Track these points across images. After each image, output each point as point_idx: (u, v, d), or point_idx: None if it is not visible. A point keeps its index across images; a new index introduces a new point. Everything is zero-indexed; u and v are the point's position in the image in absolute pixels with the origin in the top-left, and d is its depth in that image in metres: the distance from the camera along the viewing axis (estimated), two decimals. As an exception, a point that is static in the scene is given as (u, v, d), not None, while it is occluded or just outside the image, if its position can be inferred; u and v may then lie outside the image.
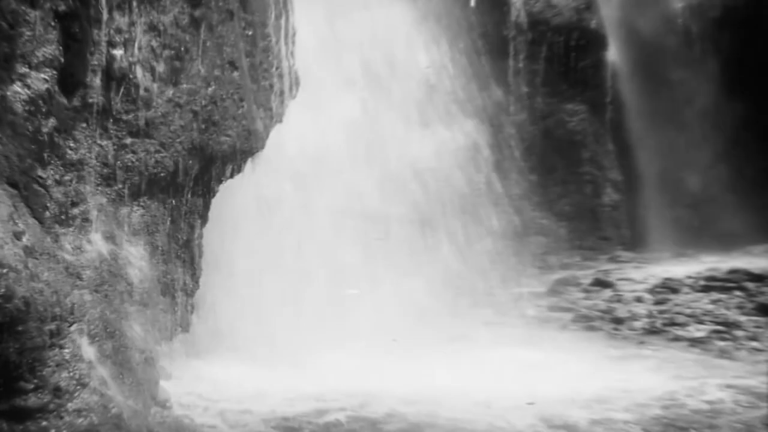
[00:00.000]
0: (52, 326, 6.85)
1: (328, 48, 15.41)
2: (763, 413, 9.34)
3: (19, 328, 6.52)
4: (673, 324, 14.39)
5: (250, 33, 9.87)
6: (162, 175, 8.59)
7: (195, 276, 9.61)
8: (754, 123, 21.13)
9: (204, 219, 9.74)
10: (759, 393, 10.20)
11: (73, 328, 7.08)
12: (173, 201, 8.95)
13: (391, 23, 18.28)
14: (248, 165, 10.09)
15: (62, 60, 7.45)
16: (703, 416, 9.26)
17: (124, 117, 8.19)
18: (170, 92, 8.62)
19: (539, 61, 21.34)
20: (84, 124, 7.88)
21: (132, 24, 8.17)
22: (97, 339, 7.32)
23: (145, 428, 7.39)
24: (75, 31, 7.61)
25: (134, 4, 8.17)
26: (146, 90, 8.36)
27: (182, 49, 8.71)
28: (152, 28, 8.41)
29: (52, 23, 7.36)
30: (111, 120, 8.08)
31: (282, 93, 10.48)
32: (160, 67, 8.49)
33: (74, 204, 7.69)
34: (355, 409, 9.29)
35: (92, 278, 7.52)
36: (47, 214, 7.34)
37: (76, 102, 7.77)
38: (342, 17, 16.64)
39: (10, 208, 6.78)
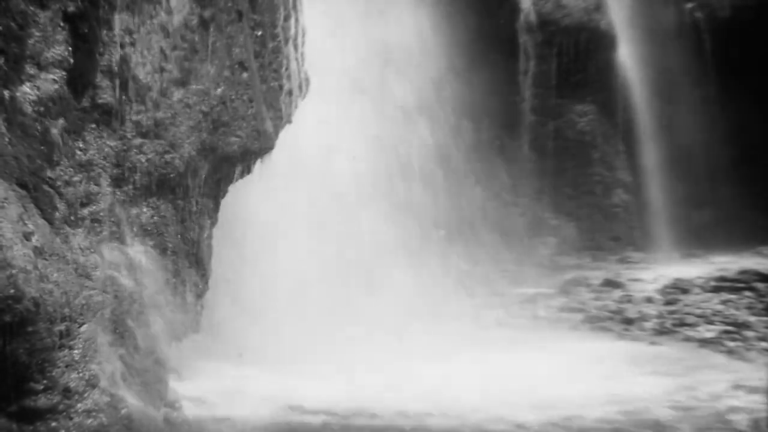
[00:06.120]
0: (62, 327, 6.86)
1: (336, 50, 15.41)
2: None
3: (29, 329, 6.54)
4: (684, 324, 14.37)
5: (260, 33, 9.87)
6: (171, 175, 8.59)
7: (205, 277, 9.61)
8: (764, 123, 21.08)
9: (214, 220, 9.74)
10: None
11: (82, 328, 7.09)
12: (183, 202, 8.94)
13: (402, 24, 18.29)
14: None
15: (71, 61, 7.46)
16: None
17: (134, 117, 8.19)
18: (180, 93, 8.62)
19: (549, 61, 21.31)
20: (93, 125, 7.88)
21: (141, 24, 8.17)
22: (106, 340, 7.33)
23: (154, 429, 7.40)
24: (84, 31, 7.61)
25: (143, 4, 8.18)
26: (156, 91, 8.37)
27: (191, 49, 8.71)
28: (161, 28, 8.42)
29: (61, 24, 7.37)
30: (120, 121, 8.08)
31: (291, 93, 10.47)
32: (170, 68, 8.50)
33: (84, 205, 7.70)
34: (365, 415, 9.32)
35: (101, 279, 7.53)
36: (57, 214, 7.35)
37: (85, 103, 7.78)
38: (353, 21, 16.64)
39: (20, 208, 6.79)
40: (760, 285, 15.78)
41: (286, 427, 8.91)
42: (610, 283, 17.45)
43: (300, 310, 12.65)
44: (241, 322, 11.75)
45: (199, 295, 9.46)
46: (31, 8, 7.11)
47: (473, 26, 19.98)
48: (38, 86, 7.20)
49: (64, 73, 7.41)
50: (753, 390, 10.26)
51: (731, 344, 13.14)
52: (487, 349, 12.79)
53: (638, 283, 17.40)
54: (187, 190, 8.95)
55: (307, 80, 10.82)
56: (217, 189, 9.62)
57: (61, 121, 7.44)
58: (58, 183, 7.43)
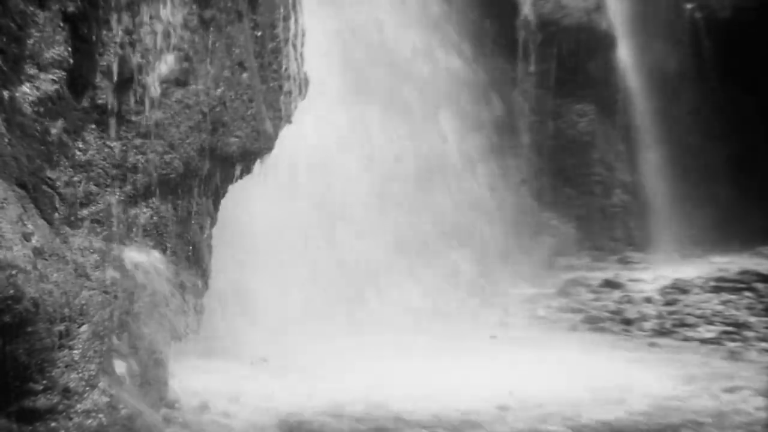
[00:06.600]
0: (62, 327, 6.85)
1: (332, 52, 15.41)
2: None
3: (29, 329, 6.53)
4: (683, 325, 14.37)
5: (259, 34, 9.87)
6: (171, 176, 8.59)
7: (204, 277, 9.61)
8: (764, 123, 21.11)
9: (213, 220, 9.74)
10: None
11: (82, 329, 7.08)
12: (182, 202, 8.94)
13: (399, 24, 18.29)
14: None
15: (71, 61, 7.46)
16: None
17: (133, 118, 8.19)
18: (179, 93, 8.61)
19: (549, 61, 21.33)
20: (93, 125, 7.88)
21: (141, 25, 8.17)
22: (106, 340, 7.32)
23: (153, 429, 7.39)
24: (84, 32, 7.61)
25: (143, 4, 8.17)
26: (155, 91, 8.36)
27: (191, 50, 8.71)
28: (161, 29, 8.41)
29: (61, 24, 7.36)
30: (120, 121, 8.07)
31: (291, 94, 10.47)
32: (169, 69, 8.49)
33: (83, 205, 7.70)
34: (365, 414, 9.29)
35: (101, 279, 7.52)
36: (56, 215, 7.35)
37: (85, 103, 7.78)
38: (349, 19, 16.65)
39: (20, 209, 6.78)
40: (759, 285, 15.81)
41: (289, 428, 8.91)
42: (610, 284, 17.47)
43: (300, 310, 12.66)
44: (240, 322, 11.74)
45: (199, 296, 9.45)
46: (31, 8, 7.10)
47: (472, 26, 20.01)
48: (38, 86, 7.19)
49: (63, 73, 7.40)
50: (753, 391, 10.25)
51: (731, 344, 13.13)
52: (489, 349, 12.79)
53: (638, 283, 17.42)
54: (186, 191, 8.95)
55: (307, 81, 10.82)
56: (216, 189, 9.61)
57: (60, 122, 7.44)
58: (58, 183, 7.43)
